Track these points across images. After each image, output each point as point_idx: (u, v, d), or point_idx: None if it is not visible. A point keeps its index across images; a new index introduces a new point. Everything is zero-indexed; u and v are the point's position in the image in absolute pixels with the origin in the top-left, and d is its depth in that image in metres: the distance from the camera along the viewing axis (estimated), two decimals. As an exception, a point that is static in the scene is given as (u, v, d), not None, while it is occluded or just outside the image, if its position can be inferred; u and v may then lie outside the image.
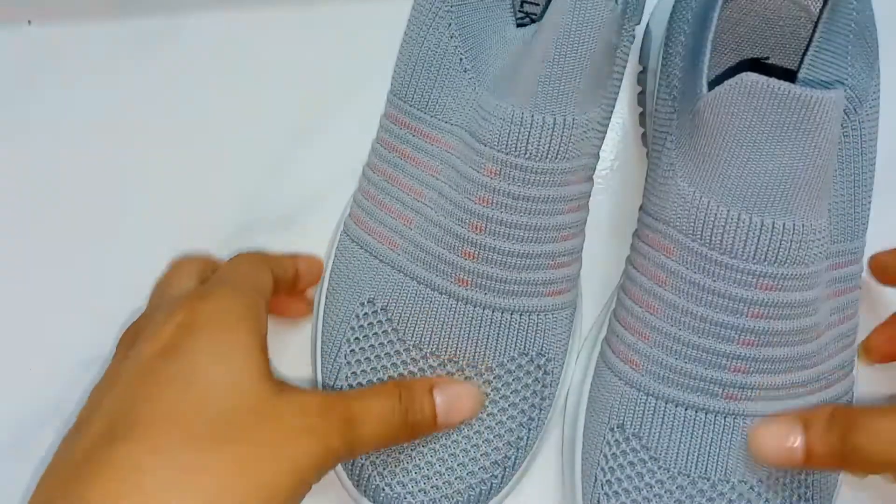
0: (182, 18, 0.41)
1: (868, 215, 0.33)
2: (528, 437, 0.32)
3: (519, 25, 0.32)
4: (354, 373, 0.33)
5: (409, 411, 0.29)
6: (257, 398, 0.26)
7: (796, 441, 0.28)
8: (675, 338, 0.30)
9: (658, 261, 0.31)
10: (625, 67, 0.33)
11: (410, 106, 0.33)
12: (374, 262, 0.33)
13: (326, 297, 0.34)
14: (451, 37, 0.32)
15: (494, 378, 0.32)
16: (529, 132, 0.29)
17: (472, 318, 0.32)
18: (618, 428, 0.31)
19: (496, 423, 0.32)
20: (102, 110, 0.40)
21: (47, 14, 0.41)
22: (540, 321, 0.32)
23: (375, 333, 0.32)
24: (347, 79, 0.40)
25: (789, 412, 0.30)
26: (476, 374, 0.32)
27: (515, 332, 0.32)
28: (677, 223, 0.30)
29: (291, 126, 0.40)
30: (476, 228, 0.31)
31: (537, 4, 0.37)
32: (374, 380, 0.32)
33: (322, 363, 0.34)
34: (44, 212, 0.39)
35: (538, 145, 0.29)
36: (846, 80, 0.31)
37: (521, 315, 0.32)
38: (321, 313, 0.34)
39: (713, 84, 0.29)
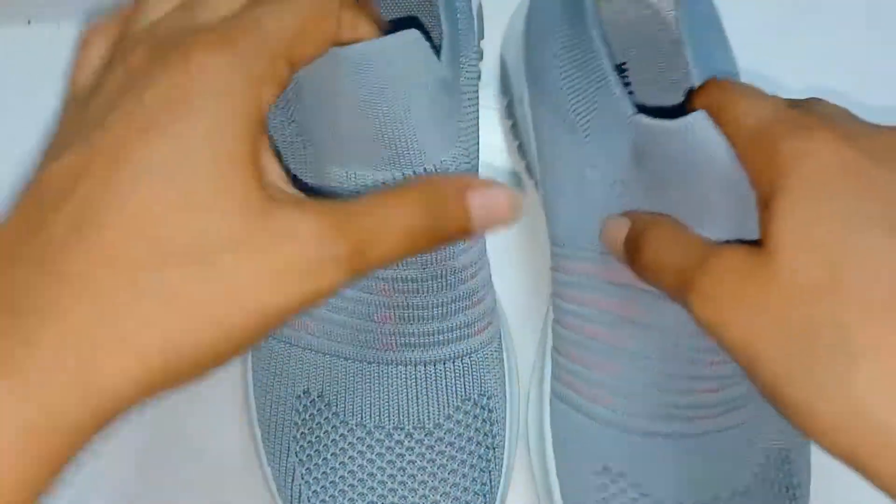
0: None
1: None
2: (490, 481, 0.32)
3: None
4: (309, 469, 0.32)
5: (440, 218, 0.24)
6: (242, 217, 0.21)
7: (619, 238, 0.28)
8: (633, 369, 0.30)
9: (603, 287, 0.30)
10: (475, 101, 0.32)
11: None
12: (296, 350, 0.32)
13: (255, 391, 0.33)
14: (291, 121, 0.30)
15: (445, 433, 0.31)
16: None
17: (407, 378, 0.31)
18: (603, 470, 0.30)
19: (460, 478, 0.31)
20: None
21: (47, 14, 0.41)
22: (474, 363, 0.32)
23: (319, 423, 0.32)
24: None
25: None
26: (426, 435, 0.31)
27: (454, 381, 0.31)
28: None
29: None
30: (384, 291, 0.30)
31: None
32: (333, 475, 0.31)
33: (271, 464, 0.32)
34: None
35: None
36: (732, 69, 0.31)
37: (454, 362, 0.31)
38: (253, 405, 0.33)
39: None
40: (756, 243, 0.24)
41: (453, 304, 0.31)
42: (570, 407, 0.31)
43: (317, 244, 0.21)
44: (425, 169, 0.28)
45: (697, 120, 0.26)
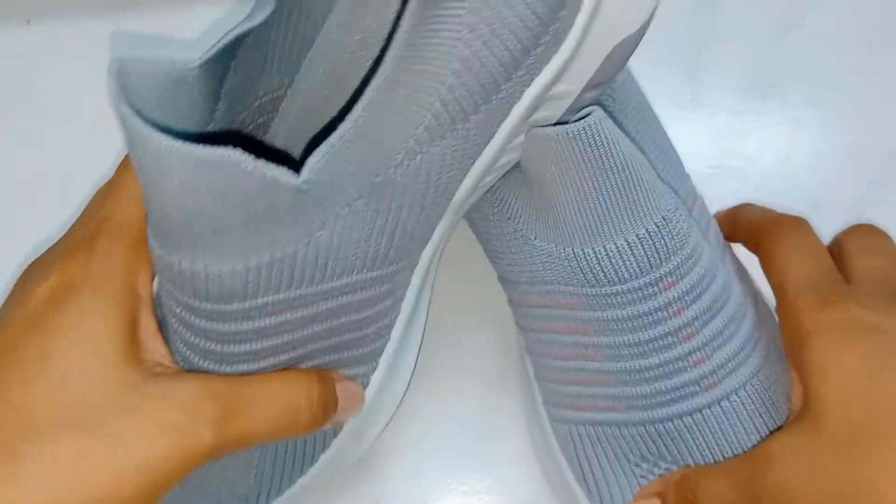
0: (183, 15, 0.41)
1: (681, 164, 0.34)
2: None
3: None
4: None
5: (311, 404, 0.26)
6: (118, 387, 0.24)
7: None
8: (628, 370, 0.29)
9: (566, 315, 0.30)
10: None
11: None
12: None
13: None
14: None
15: None
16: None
17: None
18: (642, 461, 0.30)
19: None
20: (102, 110, 0.40)
21: (47, 14, 0.41)
22: None
23: None
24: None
25: (651, 485, 0.30)
26: None
27: None
28: (559, 279, 0.29)
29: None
30: None
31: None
32: None
33: None
34: (44, 211, 0.39)
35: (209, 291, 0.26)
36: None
37: None
38: None
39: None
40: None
41: None
42: (577, 424, 0.31)
43: (190, 405, 0.24)
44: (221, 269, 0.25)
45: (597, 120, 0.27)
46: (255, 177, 0.22)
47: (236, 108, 0.27)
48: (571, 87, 0.28)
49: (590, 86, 0.28)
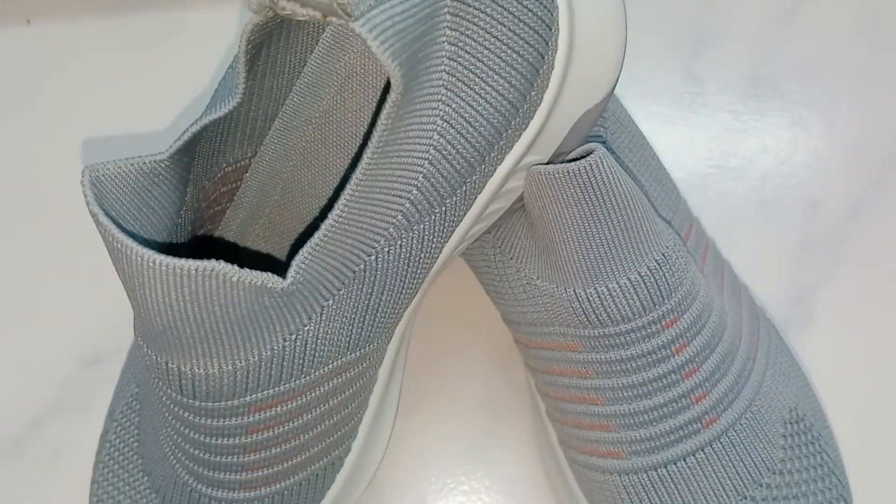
0: (184, 14, 0.41)
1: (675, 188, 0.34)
2: None
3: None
4: None
5: None
6: None
7: None
8: (632, 412, 0.29)
9: (569, 357, 0.30)
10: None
11: None
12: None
13: None
14: None
15: None
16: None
17: None
18: None
19: None
20: (102, 109, 0.40)
21: (47, 14, 0.41)
22: None
23: None
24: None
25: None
26: None
27: None
28: (561, 321, 0.29)
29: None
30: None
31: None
32: None
33: None
34: (44, 211, 0.39)
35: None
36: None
37: None
38: None
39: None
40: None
41: None
42: (586, 468, 0.31)
43: None
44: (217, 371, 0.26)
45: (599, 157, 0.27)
46: (240, 286, 0.23)
47: (201, 181, 0.28)
48: (540, 156, 0.28)
49: (557, 153, 0.28)
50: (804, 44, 0.41)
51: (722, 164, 0.39)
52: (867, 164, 0.39)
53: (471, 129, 0.25)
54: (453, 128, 0.25)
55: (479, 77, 0.25)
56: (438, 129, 0.25)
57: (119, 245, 0.22)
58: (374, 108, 0.30)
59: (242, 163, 0.30)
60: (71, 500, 0.34)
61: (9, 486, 0.35)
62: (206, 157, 0.28)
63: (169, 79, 0.40)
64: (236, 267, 0.22)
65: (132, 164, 0.24)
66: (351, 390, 0.28)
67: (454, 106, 0.25)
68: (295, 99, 0.30)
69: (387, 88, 0.29)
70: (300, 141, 0.30)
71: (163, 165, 0.24)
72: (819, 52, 0.40)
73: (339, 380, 0.27)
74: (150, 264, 0.22)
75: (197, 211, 0.28)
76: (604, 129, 0.32)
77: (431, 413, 0.36)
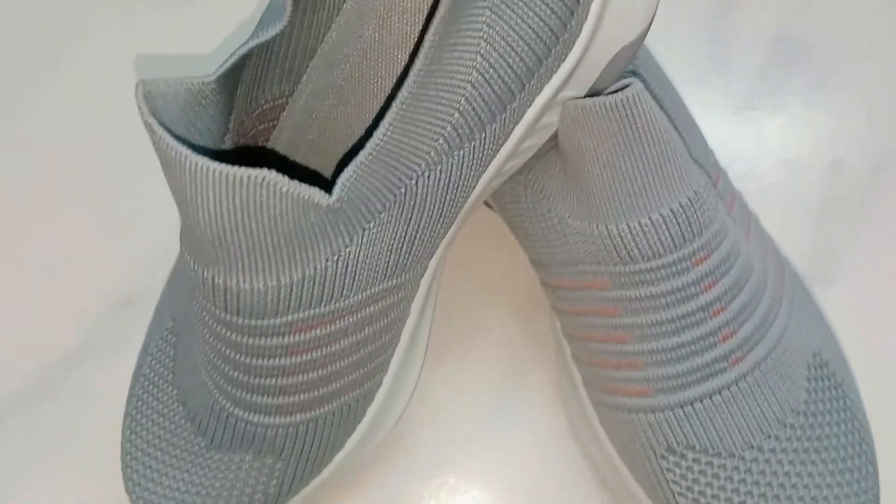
0: (190, 9, 0.42)
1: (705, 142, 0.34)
2: None
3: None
4: None
5: None
6: None
7: None
8: (660, 350, 0.30)
9: (598, 296, 0.30)
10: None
11: None
12: None
13: None
14: None
15: None
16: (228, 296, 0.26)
17: None
18: (668, 452, 0.30)
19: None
20: (104, 110, 0.40)
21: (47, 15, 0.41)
22: None
23: None
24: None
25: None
26: None
27: None
28: (592, 258, 0.30)
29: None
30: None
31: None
32: None
33: None
34: (45, 210, 0.39)
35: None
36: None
37: None
38: None
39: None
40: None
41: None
42: (612, 408, 0.31)
43: None
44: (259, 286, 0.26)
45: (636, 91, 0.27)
46: (289, 197, 0.23)
47: (240, 116, 0.28)
48: (576, 91, 0.28)
49: (592, 90, 0.29)
50: (830, 4, 0.41)
51: (722, 164, 0.40)
52: (868, 164, 0.39)
53: (513, 54, 0.26)
54: (496, 51, 0.25)
55: (522, 1, 0.25)
56: (482, 51, 0.25)
57: (173, 153, 0.22)
58: (411, 47, 0.30)
59: (280, 101, 0.30)
60: (103, 439, 0.35)
61: (40, 426, 0.36)
62: (247, 88, 0.28)
63: (170, 73, 0.40)
64: (286, 177, 0.23)
65: (181, 84, 0.24)
66: (386, 320, 0.29)
67: (497, 29, 0.25)
68: (334, 35, 0.30)
69: (425, 27, 0.30)
70: (337, 79, 0.30)
71: (210, 88, 0.25)
72: (844, 13, 0.41)
73: (376, 307, 0.28)
74: (204, 171, 0.22)
75: (236, 146, 0.29)
76: (635, 74, 0.33)
77: (435, 412, 0.36)
